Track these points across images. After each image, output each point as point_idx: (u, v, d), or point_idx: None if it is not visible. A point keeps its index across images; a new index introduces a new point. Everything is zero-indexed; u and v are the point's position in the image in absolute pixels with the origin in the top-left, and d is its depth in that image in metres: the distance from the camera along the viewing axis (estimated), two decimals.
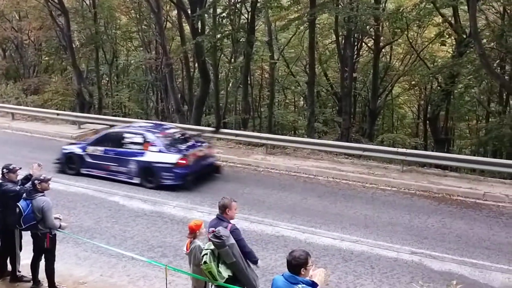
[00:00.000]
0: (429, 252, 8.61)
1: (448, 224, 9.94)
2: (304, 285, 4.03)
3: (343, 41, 22.25)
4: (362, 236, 9.31)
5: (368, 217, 10.33)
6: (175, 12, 25.22)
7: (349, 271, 7.92)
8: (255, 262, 5.77)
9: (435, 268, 8.08)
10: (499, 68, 19.64)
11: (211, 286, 5.99)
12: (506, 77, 18.39)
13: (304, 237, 9.20)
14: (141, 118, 24.73)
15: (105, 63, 29.87)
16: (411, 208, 10.89)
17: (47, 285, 6.96)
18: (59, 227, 6.90)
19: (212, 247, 5.30)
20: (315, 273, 4.18)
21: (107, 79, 31.52)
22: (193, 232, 5.93)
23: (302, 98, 29.27)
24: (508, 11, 19.62)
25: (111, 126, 18.39)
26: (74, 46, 24.85)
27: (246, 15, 22.61)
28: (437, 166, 14.89)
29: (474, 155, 20.13)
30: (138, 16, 27.58)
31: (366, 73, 26.25)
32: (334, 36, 22.90)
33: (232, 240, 5.28)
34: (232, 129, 21.89)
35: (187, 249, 5.98)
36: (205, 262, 5.31)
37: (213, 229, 5.40)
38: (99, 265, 8.04)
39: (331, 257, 8.37)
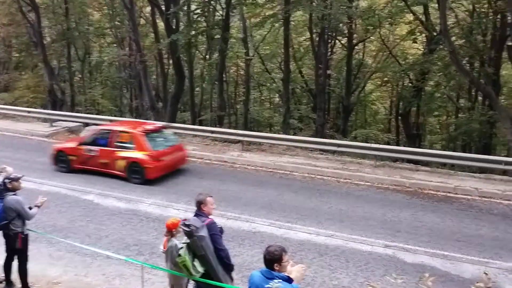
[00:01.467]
0: (402, 245, 8.80)
1: (420, 218, 10.18)
2: (279, 280, 4.07)
3: (317, 39, 22.44)
4: (337, 230, 9.44)
5: (343, 211, 10.49)
6: (149, 9, 24.96)
7: (324, 265, 8.04)
8: (229, 268, 5.57)
9: (408, 260, 8.27)
10: (468, 65, 20.16)
11: (188, 285, 6.00)
12: (474, 74, 18.87)
13: (281, 233, 9.27)
14: (114, 116, 24.39)
15: (77, 59, 29.32)
16: (384, 202, 11.12)
17: (20, 285, 6.84)
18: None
19: (188, 241, 5.31)
20: (292, 269, 4.24)
21: (80, 76, 30.96)
22: (170, 231, 5.91)
23: (277, 95, 29.40)
24: (477, 9, 20.14)
25: (84, 124, 18.15)
26: (45, 42, 24.29)
27: (221, 12, 22.55)
28: (409, 161, 15.22)
29: (445, 150, 20.63)
30: (111, 12, 27.16)
31: (340, 70, 26.55)
32: (308, 33, 23.07)
33: (202, 233, 5.23)
34: (208, 126, 21.87)
35: (164, 247, 5.97)
36: (179, 255, 5.31)
37: (185, 218, 5.40)
38: (74, 265, 7.93)
39: (307, 252, 8.47)
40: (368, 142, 18.03)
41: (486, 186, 12.10)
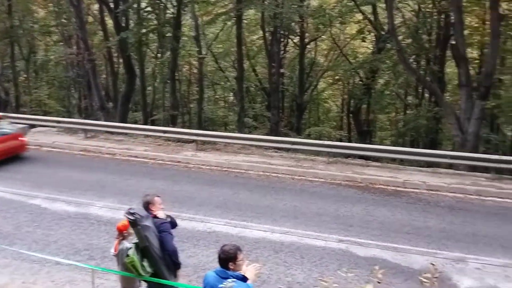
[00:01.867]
0: (355, 240, 8.99)
1: (372, 212, 10.45)
2: (234, 280, 4.05)
3: (270, 37, 22.58)
4: (292, 227, 9.52)
5: (297, 208, 10.59)
6: (97, 6, 24.23)
7: (280, 262, 8.08)
8: (177, 265, 5.46)
9: (360, 254, 8.45)
10: (415, 63, 20.91)
11: (140, 287, 5.87)
12: (421, 72, 19.60)
13: (236, 232, 9.24)
14: (63, 116, 23.52)
15: (21, 59, 28.04)
16: (337, 198, 11.33)
17: None
18: None
19: (137, 241, 5.19)
20: (247, 268, 4.23)
21: (25, 75, 29.63)
22: (121, 233, 5.76)
23: (231, 93, 29.36)
24: (423, 9, 20.91)
25: (31, 125, 17.38)
26: None
27: (172, 10, 22.24)
28: (361, 157, 15.59)
29: (394, 146, 21.29)
30: (57, 10, 26.12)
31: (293, 68, 26.85)
32: (261, 32, 23.18)
33: (147, 223, 5.11)
34: (160, 126, 21.51)
35: (115, 250, 5.81)
36: (127, 255, 5.18)
37: (130, 207, 5.27)
38: (21, 272, 7.56)
39: (263, 249, 8.49)
40: (321, 140, 18.31)
41: (433, 180, 12.59)
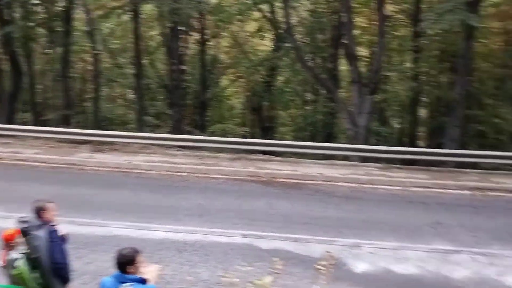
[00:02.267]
0: (258, 233, 9.13)
1: (274, 205, 10.71)
2: (132, 283, 3.90)
3: (169, 33, 22.10)
4: (196, 225, 9.42)
5: (201, 206, 10.51)
6: None
7: (184, 261, 7.94)
8: (64, 279, 5.00)
9: (263, 247, 8.60)
10: (311, 61, 21.80)
11: None
12: (318, 69, 20.51)
13: (138, 234, 8.90)
14: None
15: None
16: (241, 193, 11.45)
17: None
18: None
19: (27, 251, 4.77)
20: (147, 271, 4.10)
21: None
22: (8, 243, 5.26)
23: (131, 91, 28.27)
24: (317, 9, 21.83)
25: None
26: None
27: (63, 2, 20.86)
28: (264, 152, 15.91)
29: (294, 140, 22.03)
30: None
31: (195, 65, 26.58)
32: (160, 27, 22.61)
33: (39, 232, 4.75)
34: (53, 126, 20.08)
35: (3, 262, 5.29)
36: (14, 267, 4.74)
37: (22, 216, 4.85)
38: None
39: (166, 250, 8.29)
40: (226, 137, 18.40)
41: (330, 171, 13.23)
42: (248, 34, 24.54)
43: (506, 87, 22.85)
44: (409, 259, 8.32)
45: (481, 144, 20.41)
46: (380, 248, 8.71)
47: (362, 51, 21.18)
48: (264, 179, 12.67)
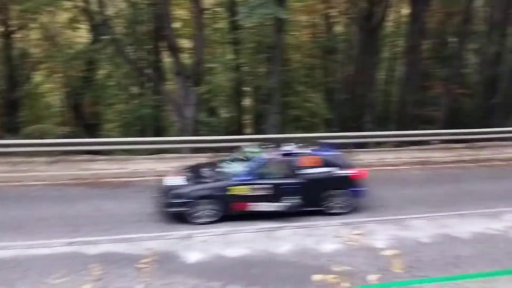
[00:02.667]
0: (85, 239, 8.59)
1: (102, 207, 10.14)
2: None
3: None
4: (12, 240, 8.44)
5: (16, 218, 9.42)
6: None
7: (1, 281, 7.04)
8: None
9: (92, 252, 8.10)
10: (134, 53, 21.09)
11: None
12: (142, 62, 19.98)
13: None
14: None
15: None
16: (63, 199, 10.58)
17: None
18: None
19: None
20: None
21: None
22: None
23: None
24: (137, 1, 21.11)
25: None
26: None
27: None
28: (89, 152, 14.91)
29: (122, 137, 21.19)
30: None
31: (0, 61, 23.49)
32: None
33: None
34: None
35: None
36: None
37: None
38: None
39: None
40: (44, 138, 16.68)
41: (160, 166, 13.03)
42: (60, 25, 22.62)
43: (315, 75, 25.62)
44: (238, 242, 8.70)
45: (298, 127, 22.51)
46: (211, 235, 8.92)
47: (185, 43, 21.28)
48: (89, 180, 11.89)
